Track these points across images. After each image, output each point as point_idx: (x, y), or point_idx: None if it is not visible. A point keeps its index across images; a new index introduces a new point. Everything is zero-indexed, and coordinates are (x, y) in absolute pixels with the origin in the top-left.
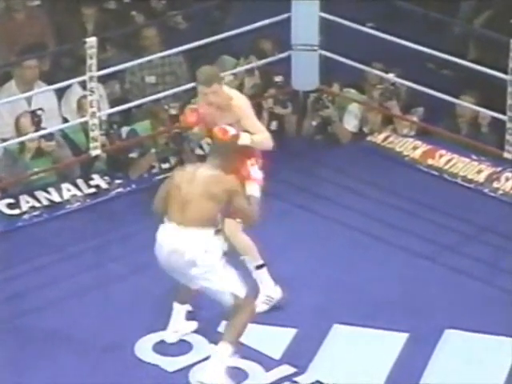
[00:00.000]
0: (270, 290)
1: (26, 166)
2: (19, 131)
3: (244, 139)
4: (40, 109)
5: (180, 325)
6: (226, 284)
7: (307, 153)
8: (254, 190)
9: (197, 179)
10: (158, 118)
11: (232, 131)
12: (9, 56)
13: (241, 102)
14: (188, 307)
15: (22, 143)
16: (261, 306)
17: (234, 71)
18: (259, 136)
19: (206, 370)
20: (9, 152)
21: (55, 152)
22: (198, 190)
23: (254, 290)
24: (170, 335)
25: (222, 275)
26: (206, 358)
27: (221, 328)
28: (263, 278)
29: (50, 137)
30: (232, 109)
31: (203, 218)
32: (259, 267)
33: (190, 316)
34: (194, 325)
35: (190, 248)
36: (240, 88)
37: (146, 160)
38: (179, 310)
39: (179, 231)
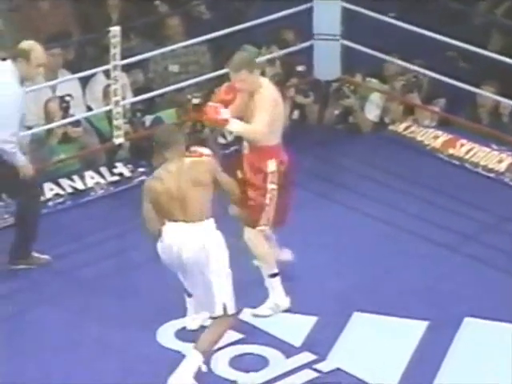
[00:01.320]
0: (279, 299)
1: (52, 150)
2: (47, 115)
3: (233, 126)
4: (69, 95)
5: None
6: (223, 292)
7: (329, 142)
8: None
9: (182, 173)
10: (182, 107)
11: (224, 114)
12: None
13: (265, 94)
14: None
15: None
16: (266, 310)
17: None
18: (250, 126)
19: (174, 376)
20: (36, 136)
21: (82, 138)
22: (187, 183)
23: (237, 307)
24: (190, 322)
25: (224, 282)
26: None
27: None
28: (275, 286)
29: (76, 123)
30: (255, 97)
31: (203, 208)
32: (273, 276)
33: None
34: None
35: (201, 243)
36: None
37: None
38: (190, 301)
39: (188, 228)
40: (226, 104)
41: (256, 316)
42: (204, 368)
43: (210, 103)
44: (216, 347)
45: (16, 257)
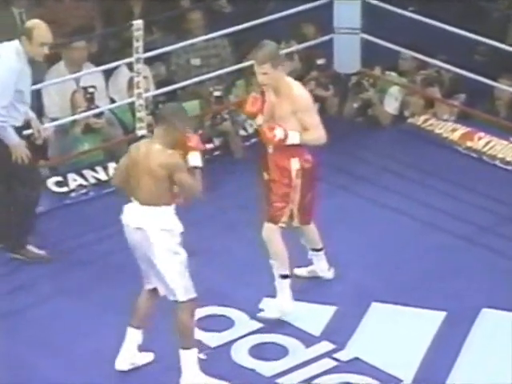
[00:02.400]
0: (284, 302)
1: (76, 140)
2: (73, 106)
3: (292, 139)
4: (93, 86)
5: (132, 354)
6: (175, 278)
7: (348, 135)
8: (195, 160)
9: (143, 157)
10: (205, 99)
11: (279, 134)
12: (58, 38)
13: (302, 94)
14: (141, 334)
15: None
16: (270, 312)
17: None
18: (311, 133)
19: (184, 379)
20: (60, 127)
21: (105, 129)
22: (143, 168)
23: (193, 289)
24: (120, 363)
25: (173, 268)
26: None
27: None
28: (284, 288)
29: (99, 114)
30: (291, 99)
31: (154, 195)
32: (284, 277)
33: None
34: (149, 356)
35: (145, 225)
36: None
37: None
38: (132, 337)
39: (138, 209)
40: (254, 115)
41: (262, 318)
42: (202, 356)
43: (267, 125)
44: (193, 331)
45: (10, 246)
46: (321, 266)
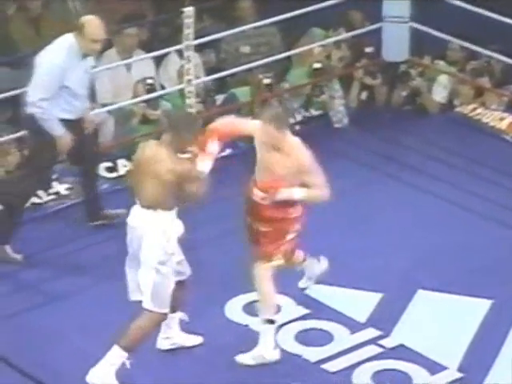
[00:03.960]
0: (266, 351)
1: (132, 129)
2: (134, 96)
3: (296, 195)
4: (151, 77)
5: (174, 332)
6: (147, 286)
7: (396, 123)
8: (205, 166)
9: (150, 160)
10: (255, 86)
11: (281, 195)
12: (109, 25)
13: (304, 155)
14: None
15: (131, 108)
16: (248, 359)
17: (323, 42)
18: (315, 192)
19: (94, 371)
20: (117, 114)
21: (161, 120)
22: (149, 171)
23: (165, 305)
24: (160, 341)
25: (149, 276)
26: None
27: (308, 290)
28: (267, 334)
29: (154, 106)
30: (293, 159)
31: (155, 199)
32: (269, 322)
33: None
34: (197, 339)
35: (141, 227)
36: (327, 60)
37: None
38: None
39: (139, 210)
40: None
41: (239, 363)
42: (128, 364)
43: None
44: (141, 343)
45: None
46: (313, 269)
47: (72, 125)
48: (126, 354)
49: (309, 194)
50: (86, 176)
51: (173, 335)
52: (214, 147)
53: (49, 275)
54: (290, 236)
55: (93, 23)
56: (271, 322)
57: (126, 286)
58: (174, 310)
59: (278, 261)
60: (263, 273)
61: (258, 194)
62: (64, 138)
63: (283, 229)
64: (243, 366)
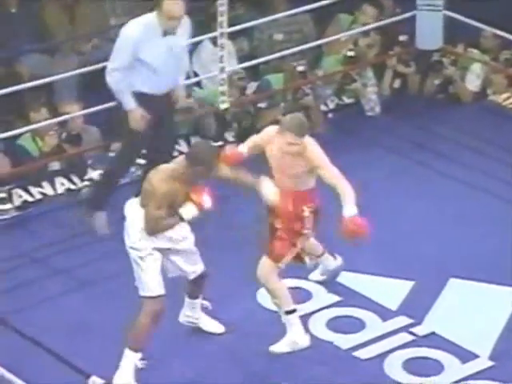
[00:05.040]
0: (297, 336)
1: None
2: None
3: (353, 210)
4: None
5: (196, 314)
6: (140, 274)
7: (429, 111)
8: (188, 212)
9: (146, 184)
10: (288, 74)
11: (207, 204)
12: (143, 12)
13: (315, 151)
14: (203, 303)
15: None
16: (283, 346)
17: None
18: (347, 192)
19: (115, 378)
20: None
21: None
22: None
23: (160, 292)
24: (181, 315)
25: (141, 264)
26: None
27: (339, 277)
28: (293, 323)
29: (187, 93)
30: (306, 158)
31: (143, 197)
32: (289, 312)
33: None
34: (219, 327)
35: (129, 218)
36: (357, 47)
37: (273, 112)
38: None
39: (133, 202)
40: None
41: (274, 352)
42: (140, 365)
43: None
44: (146, 337)
45: (87, 207)
46: (328, 263)
47: (154, 100)
48: (137, 355)
49: (350, 196)
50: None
51: (194, 316)
52: (207, 201)
53: (81, 261)
54: (301, 239)
55: (170, 1)
56: (292, 311)
57: None
58: (192, 297)
59: (284, 263)
60: (268, 270)
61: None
62: (135, 112)
63: (295, 228)
64: (275, 353)
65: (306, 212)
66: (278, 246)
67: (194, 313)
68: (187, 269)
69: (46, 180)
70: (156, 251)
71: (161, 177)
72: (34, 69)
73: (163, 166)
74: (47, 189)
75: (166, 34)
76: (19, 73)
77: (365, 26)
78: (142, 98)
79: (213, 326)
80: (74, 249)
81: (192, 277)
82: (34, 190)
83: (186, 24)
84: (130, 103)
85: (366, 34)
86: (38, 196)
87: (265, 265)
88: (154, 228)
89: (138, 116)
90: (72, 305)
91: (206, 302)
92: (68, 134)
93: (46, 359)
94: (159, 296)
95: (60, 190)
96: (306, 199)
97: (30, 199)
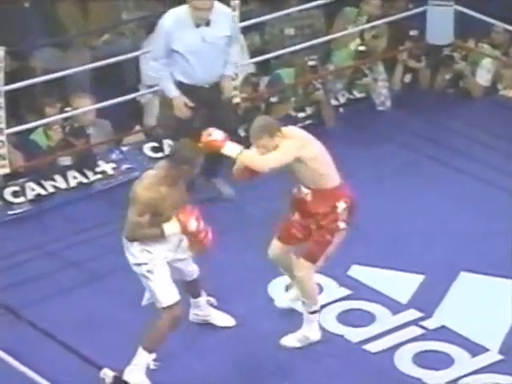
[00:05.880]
0: (311, 333)
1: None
2: None
3: (228, 149)
4: None
5: (203, 311)
6: (152, 287)
7: (440, 106)
8: (170, 228)
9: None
10: (299, 68)
11: (217, 136)
12: (157, 7)
13: (293, 135)
14: (208, 299)
15: None
16: (294, 341)
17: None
18: (256, 156)
19: (125, 373)
20: (162, 96)
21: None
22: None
23: (175, 299)
24: (191, 315)
25: (150, 277)
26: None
27: (350, 271)
28: (312, 321)
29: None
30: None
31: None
32: (313, 313)
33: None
34: (230, 321)
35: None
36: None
37: (285, 106)
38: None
39: None
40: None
41: (284, 345)
42: (152, 365)
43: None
44: (163, 340)
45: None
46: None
47: (195, 90)
48: (151, 356)
49: (246, 154)
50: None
51: (203, 314)
52: (193, 225)
53: (92, 255)
54: (337, 235)
55: None
56: (315, 312)
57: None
58: (194, 296)
59: (320, 263)
60: (306, 273)
61: (303, 191)
62: (177, 100)
63: (330, 227)
64: (286, 347)
65: (339, 208)
66: (314, 248)
67: (201, 310)
68: (186, 272)
69: (58, 173)
70: (159, 258)
71: (143, 185)
72: (47, 63)
73: (146, 173)
74: (60, 182)
75: (198, 25)
76: (32, 67)
77: (370, 16)
78: (181, 87)
79: (224, 319)
80: (85, 242)
81: (190, 279)
82: (46, 183)
83: (224, 15)
84: (171, 91)
85: (371, 25)
86: (51, 189)
87: (303, 266)
88: (131, 234)
89: (180, 103)
90: (84, 297)
91: (210, 298)
92: (71, 127)
93: (58, 351)
94: (176, 303)
95: (72, 183)
96: (334, 196)
97: (43, 193)
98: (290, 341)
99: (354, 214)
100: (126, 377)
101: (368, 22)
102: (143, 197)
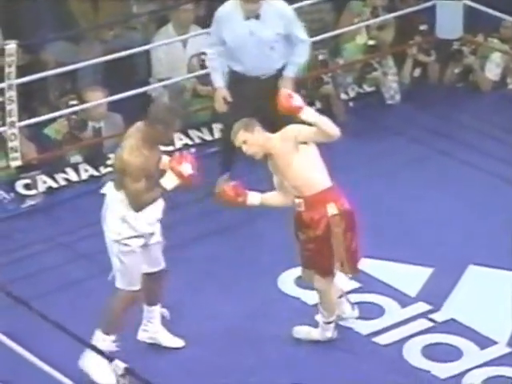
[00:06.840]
0: (323, 338)
1: (185, 103)
2: (189, 70)
3: (307, 114)
4: (203, 53)
5: (154, 328)
6: (121, 269)
7: (449, 100)
8: (169, 182)
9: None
10: (309, 62)
11: (297, 101)
12: (167, 1)
13: (284, 132)
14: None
15: (183, 83)
16: (304, 334)
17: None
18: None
19: (83, 357)
20: (175, 87)
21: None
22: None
23: (134, 283)
24: (140, 332)
25: (124, 259)
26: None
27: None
28: (327, 330)
29: (205, 81)
30: (281, 141)
31: (117, 179)
32: (329, 323)
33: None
34: (178, 342)
35: (108, 197)
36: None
37: None
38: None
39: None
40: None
41: (297, 336)
42: (114, 347)
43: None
44: (119, 320)
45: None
46: (343, 308)
47: (246, 80)
48: (109, 337)
49: (321, 119)
50: None
51: (152, 330)
52: (188, 169)
53: (103, 247)
54: (337, 243)
55: None
56: (331, 322)
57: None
58: (151, 303)
59: (335, 272)
60: (326, 288)
61: (297, 202)
62: (218, 91)
63: (327, 234)
64: (295, 339)
65: (329, 212)
66: (319, 261)
67: (152, 324)
68: (154, 258)
69: (70, 167)
70: (138, 248)
71: (127, 151)
72: (59, 57)
73: (125, 142)
74: (71, 175)
75: (247, 17)
76: (44, 61)
77: (374, 7)
78: (234, 75)
79: (171, 340)
80: (96, 235)
81: (156, 269)
82: (58, 176)
83: (275, 10)
84: (216, 82)
85: (375, 16)
86: (63, 182)
87: (320, 281)
88: (138, 203)
89: (218, 96)
90: (95, 289)
91: (165, 310)
92: (74, 120)
93: (69, 343)
94: (138, 290)
95: (84, 176)
96: (325, 198)
97: (55, 185)
98: (302, 332)
99: (352, 221)
100: (84, 359)
101: (372, 13)
102: (134, 162)
